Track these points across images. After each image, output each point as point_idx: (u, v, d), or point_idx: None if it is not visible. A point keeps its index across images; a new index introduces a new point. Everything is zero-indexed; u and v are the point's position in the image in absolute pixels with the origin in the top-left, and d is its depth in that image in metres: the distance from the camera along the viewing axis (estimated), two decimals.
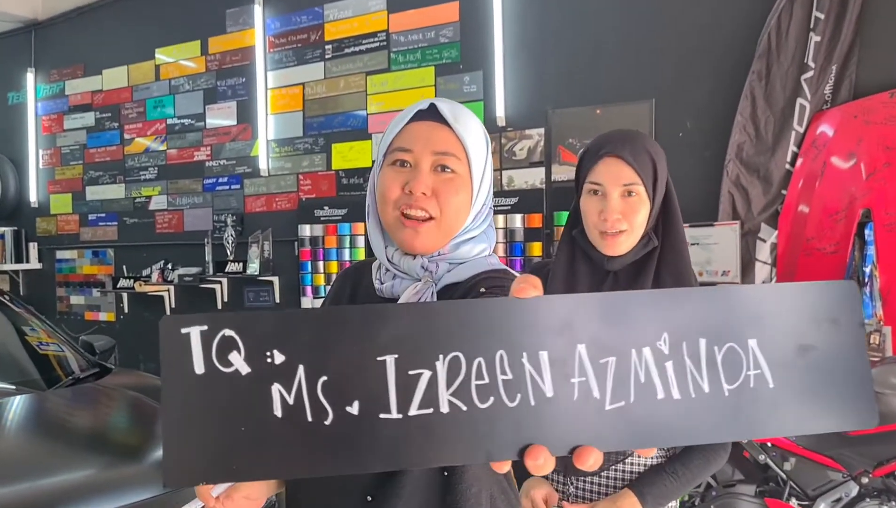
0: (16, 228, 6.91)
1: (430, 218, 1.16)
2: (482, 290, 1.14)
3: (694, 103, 4.02)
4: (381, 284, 1.23)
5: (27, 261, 6.89)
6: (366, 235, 1.32)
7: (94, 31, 6.50)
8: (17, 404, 2.89)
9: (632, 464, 1.62)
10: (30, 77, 6.90)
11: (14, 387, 3.00)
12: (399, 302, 1.14)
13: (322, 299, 1.36)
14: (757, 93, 3.77)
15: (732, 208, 3.85)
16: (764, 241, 3.81)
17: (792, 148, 3.74)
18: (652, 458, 1.62)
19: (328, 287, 1.37)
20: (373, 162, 1.28)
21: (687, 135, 4.05)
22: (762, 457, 2.86)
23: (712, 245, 3.79)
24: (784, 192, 3.76)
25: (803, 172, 3.71)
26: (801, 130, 3.73)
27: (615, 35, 4.21)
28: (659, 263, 1.59)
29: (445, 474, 1.14)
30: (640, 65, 4.15)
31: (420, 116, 1.18)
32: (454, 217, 1.17)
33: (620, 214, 1.55)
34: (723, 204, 3.85)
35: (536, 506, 1.64)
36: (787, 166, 3.76)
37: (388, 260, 1.21)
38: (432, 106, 1.17)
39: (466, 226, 1.20)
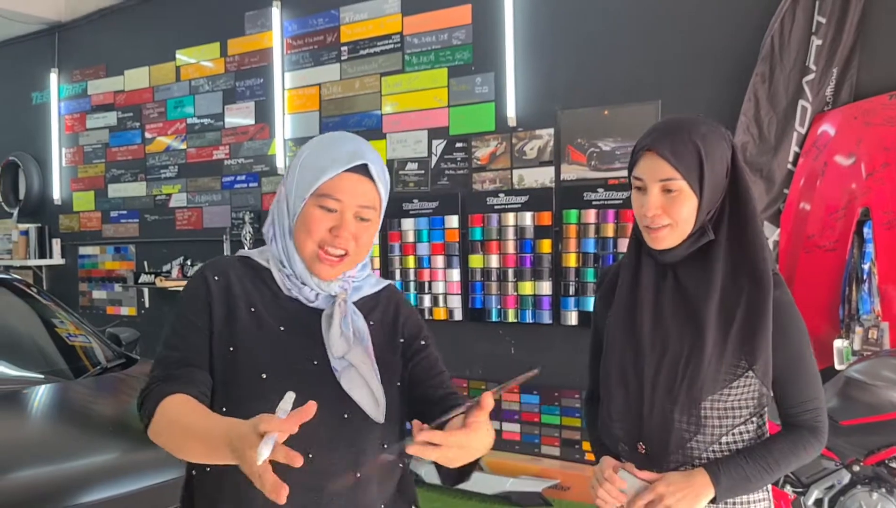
0: (39, 224, 7.10)
1: (346, 254, 1.40)
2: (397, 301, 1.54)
3: (699, 104, 4.12)
4: (289, 290, 1.44)
5: (50, 257, 7.08)
6: (273, 236, 1.46)
7: (116, 33, 6.67)
8: (47, 392, 3.05)
9: (713, 452, 1.55)
10: (53, 77, 7.08)
11: (43, 376, 3.16)
12: (326, 314, 1.42)
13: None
14: (760, 94, 3.88)
15: None
16: (766, 239, 3.91)
17: (794, 148, 3.85)
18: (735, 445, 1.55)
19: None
20: (286, 175, 1.46)
21: None
22: None
23: None
24: (786, 191, 3.86)
25: (804, 172, 3.81)
26: (803, 130, 3.83)
27: (623, 38, 4.33)
28: (725, 257, 1.52)
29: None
30: (647, 67, 4.26)
31: (351, 168, 1.38)
32: (364, 252, 1.44)
33: (661, 208, 1.49)
34: None
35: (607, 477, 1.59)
36: (790, 166, 3.86)
37: (298, 274, 1.43)
38: (364, 167, 1.38)
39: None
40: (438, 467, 1.30)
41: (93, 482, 2.40)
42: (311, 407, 1.07)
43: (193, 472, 1.45)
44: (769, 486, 1.59)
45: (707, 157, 1.48)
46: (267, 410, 1.09)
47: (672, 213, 1.49)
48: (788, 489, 2.97)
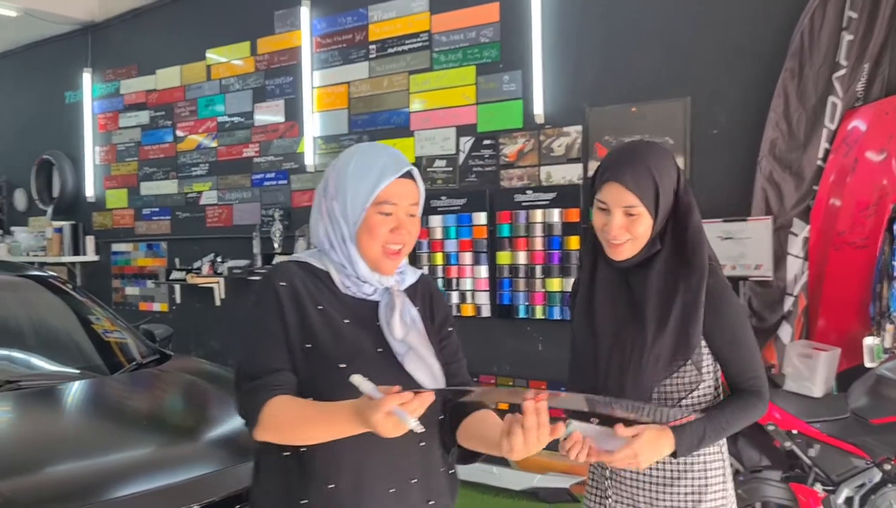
0: (73, 222, 7.23)
1: (402, 247, 1.63)
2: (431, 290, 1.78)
3: (728, 101, 4.11)
4: (347, 288, 1.63)
5: (84, 254, 7.21)
6: (331, 246, 1.65)
7: (148, 33, 6.77)
8: (83, 387, 3.11)
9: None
10: (86, 77, 7.20)
11: (79, 372, 3.23)
12: (385, 303, 1.63)
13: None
14: (790, 91, 3.85)
15: (766, 203, 3.94)
16: (796, 235, 3.89)
17: (824, 144, 3.82)
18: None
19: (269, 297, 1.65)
20: (327, 191, 1.65)
21: (722, 132, 4.15)
22: (788, 444, 2.98)
23: (745, 240, 3.89)
24: (816, 187, 3.84)
25: (835, 168, 3.78)
26: (833, 127, 3.80)
27: (652, 35, 4.32)
28: (664, 264, 1.79)
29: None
30: (675, 63, 4.25)
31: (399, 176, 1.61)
32: (413, 243, 1.66)
33: (622, 228, 1.76)
34: (756, 199, 3.94)
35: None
36: (819, 162, 3.83)
37: (360, 275, 1.63)
38: (409, 172, 1.62)
39: None
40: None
41: (129, 476, 2.44)
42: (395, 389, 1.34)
43: (286, 453, 1.58)
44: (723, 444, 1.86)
45: (661, 184, 1.75)
46: (348, 397, 1.39)
47: (632, 230, 1.77)
48: (818, 487, 2.96)
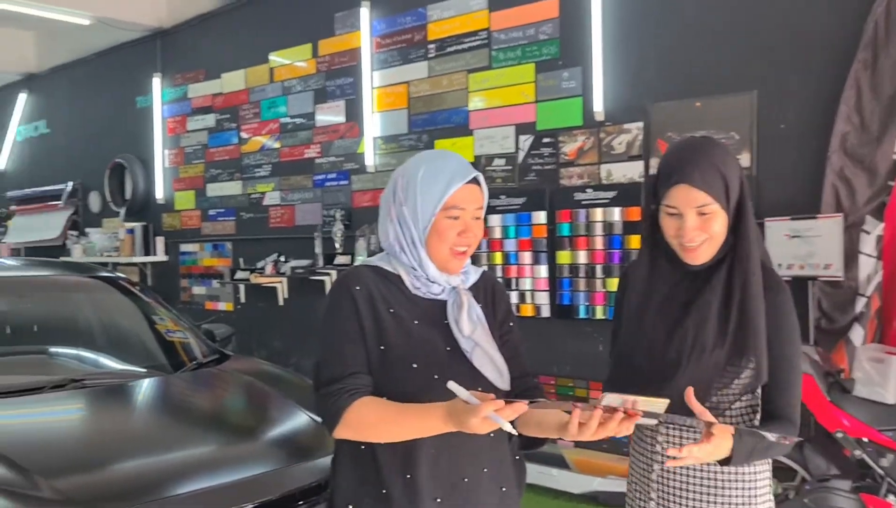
0: (144, 223, 7.43)
1: (468, 248, 1.71)
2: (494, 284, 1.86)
3: (797, 94, 3.96)
4: (417, 289, 1.72)
5: (154, 254, 7.40)
6: (401, 249, 1.74)
7: (213, 37, 6.91)
8: (147, 386, 3.19)
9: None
10: (156, 82, 7.39)
11: (141, 371, 3.31)
12: (452, 303, 1.72)
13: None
14: (862, 82, 3.69)
15: (836, 200, 3.78)
16: (868, 233, 3.73)
17: None
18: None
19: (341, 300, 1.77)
20: (395, 197, 1.75)
21: (790, 127, 4.00)
22: (858, 452, 2.85)
23: (814, 238, 3.74)
24: (891, 183, 3.67)
25: None
26: None
27: (716, 26, 4.19)
28: (731, 262, 1.73)
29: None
30: (741, 56, 4.12)
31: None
32: (477, 244, 1.74)
33: (698, 229, 1.70)
34: (826, 196, 3.79)
35: None
36: (895, 157, 3.66)
37: (430, 276, 1.71)
38: (474, 178, 1.70)
39: None
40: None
41: (185, 474, 2.48)
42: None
43: (363, 447, 1.68)
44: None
45: (729, 178, 1.71)
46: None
47: (707, 229, 1.71)
48: (892, 498, 2.82)
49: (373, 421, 1.60)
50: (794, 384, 1.74)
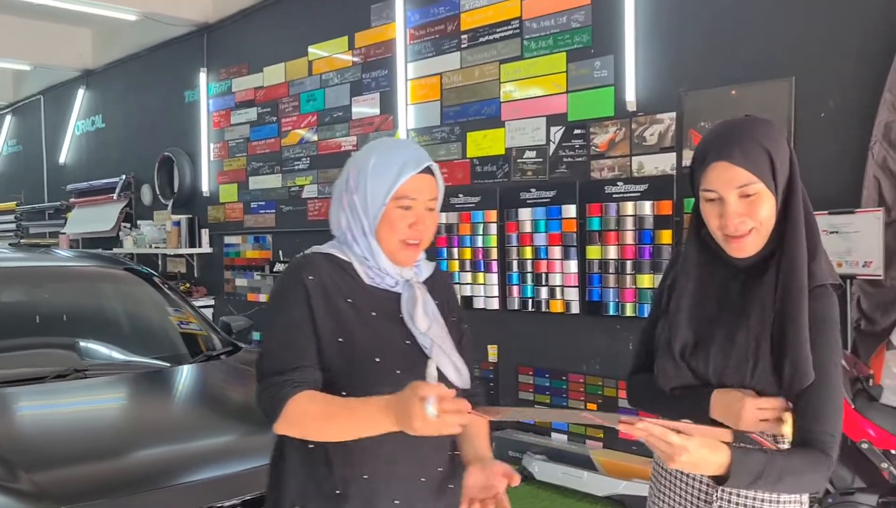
0: (190, 215, 7.54)
1: (421, 241, 1.64)
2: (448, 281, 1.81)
3: (838, 80, 3.73)
4: (371, 279, 1.64)
5: (200, 246, 7.51)
6: (352, 238, 1.67)
7: (255, 32, 6.95)
8: (151, 377, 3.20)
9: None
10: (202, 76, 7.49)
11: (152, 361, 3.32)
12: (406, 296, 1.65)
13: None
14: None
15: (878, 193, 3.55)
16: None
17: None
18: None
19: (284, 287, 1.68)
20: (347, 185, 1.67)
21: (830, 115, 3.76)
22: (885, 465, 2.64)
23: (853, 234, 3.51)
24: None
25: None
26: None
27: (752, 10, 3.98)
28: (779, 258, 1.52)
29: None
30: (778, 41, 3.90)
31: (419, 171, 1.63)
32: (431, 237, 1.67)
33: (743, 215, 1.50)
34: (867, 189, 3.56)
35: None
36: None
37: (381, 267, 1.65)
38: (428, 167, 1.64)
39: None
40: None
41: (176, 466, 2.48)
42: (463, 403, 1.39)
43: (311, 446, 1.59)
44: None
45: (776, 154, 1.49)
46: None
47: (754, 215, 1.49)
48: None
49: (314, 415, 1.50)
50: (833, 409, 1.48)
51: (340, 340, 1.57)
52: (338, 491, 1.57)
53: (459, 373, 1.63)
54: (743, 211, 1.49)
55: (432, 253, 5.40)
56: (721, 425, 1.52)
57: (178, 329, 3.63)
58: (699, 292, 1.62)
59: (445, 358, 1.61)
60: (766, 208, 1.49)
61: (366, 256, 1.64)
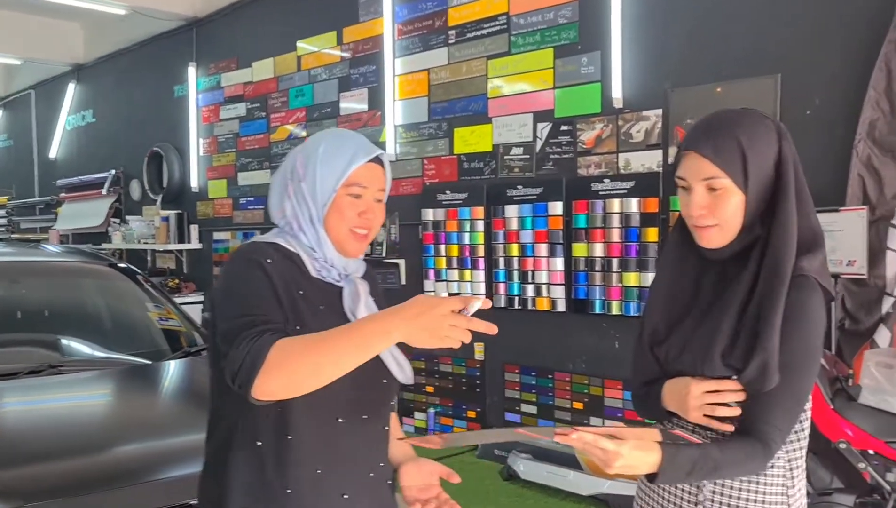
0: (179, 211, 7.50)
1: (369, 231, 1.61)
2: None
3: (823, 78, 3.71)
4: (318, 272, 1.59)
5: (189, 242, 7.47)
6: (299, 227, 1.60)
7: (244, 26, 6.91)
8: (125, 374, 3.16)
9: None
10: (191, 71, 7.44)
11: (128, 358, 3.29)
12: (349, 291, 1.61)
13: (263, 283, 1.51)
14: (893, 65, 3.43)
15: (863, 191, 3.53)
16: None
17: None
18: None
19: (271, 278, 1.55)
20: (294, 173, 1.60)
21: (816, 113, 3.74)
22: (863, 465, 2.62)
23: (837, 232, 3.48)
24: None
25: None
26: None
27: (738, 7, 3.95)
28: (762, 253, 1.49)
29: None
30: (764, 38, 3.87)
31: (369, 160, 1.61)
32: (378, 229, 1.65)
33: (705, 208, 1.49)
34: (851, 187, 3.54)
35: None
36: None
37: (328, 258, 1.60)
38: (378, 158, 1.62)
39: None
40: None
41: (176, 459, 2.47)
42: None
43: (259, 443, 1.52)
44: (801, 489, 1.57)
45: (750, 150, 1.46)
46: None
47: (717, 212, 1.48)
48: None
49: (302, 351, 1.35)
50: (787, 404, 1.46)
51: (298, 328, 1.49)
52: (289, 490, 1.52)
53: (402, 369, 1.60)
54: (706, 204, 1.48)
55: (419, 250, 5.37)
56: (675, 415, 1.58)
57: (159, 326, 3.60)
58: (674, 283, 1.62)
59: (388, 355, 1.56)
60: (732, 206, 1.48)
61: (313, 246, 1.59)
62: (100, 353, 3.31)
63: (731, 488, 1.54)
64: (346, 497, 1.55)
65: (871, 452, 2.62)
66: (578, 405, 4.63)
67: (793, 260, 1.47)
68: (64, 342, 3.27)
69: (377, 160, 1.61)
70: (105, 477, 2.32)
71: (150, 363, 3.26)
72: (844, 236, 3.47)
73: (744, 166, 1.46)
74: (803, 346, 1.47)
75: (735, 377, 1.47)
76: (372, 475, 1.62)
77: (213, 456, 1.61)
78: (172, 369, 3.24)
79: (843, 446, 2.65)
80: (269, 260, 1.51)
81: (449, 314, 1.31)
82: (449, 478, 1.62)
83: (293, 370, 1.34)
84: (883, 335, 3.47)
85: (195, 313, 4.17)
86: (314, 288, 1.57)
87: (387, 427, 1.66)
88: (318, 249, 1.58)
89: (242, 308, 1.43)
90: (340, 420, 1.53)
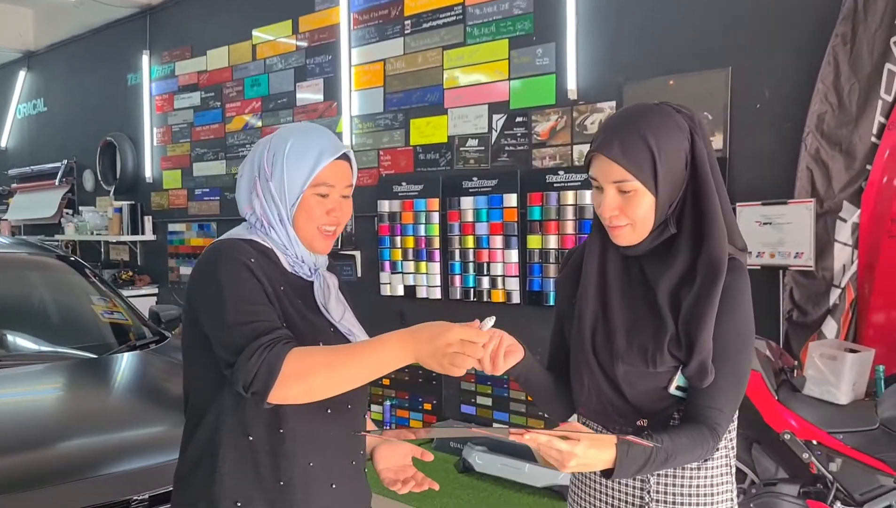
0: (133, 202, 7.36)
1: (337, 228, 1.63)
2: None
3: (773, 71, 3.73)
4: (291, 267, 1.61)
5: (143, 233, 7.33)
6: (269, 225, 1.61)
7: (199, 13, 6.79)
8: (69, 369, 3.09)
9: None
10: (145, 59, 7.29)
11: (72, 352, 3.21)
12: (319, 285, 1.63)
13: (254, 278, 1.53)
14: (840, 58, 3.45)
15: (811, 184, 3.56)
16: (845, 221, 3.50)
17: (879, 119, 3.41)
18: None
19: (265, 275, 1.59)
20: (261, 171, 1.60)
21: (766, 106, 3.76)
22: (806, 456, 2.65)
23: (785, 225, 3.51)
24: (869, 167, 3.44)
25: (891, 144, 3.37)
26: (890, 98, 3.39)
27: (690, 0, 3.96)
28: (686, 249, 1.50)
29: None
30: (715, 31, 3.88)
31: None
32: (345, 224, 1.66)
33: (617, 209, 1.49)
34: (800, 180, 3.56)
35: None
36: (873, 139, 3.43)
37: (298, 255, 1.63)
38: (344, 154, 1.63)
39: None
40: None
41: (120, 453, 2.44)
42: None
43: (250, 437, 1.54)
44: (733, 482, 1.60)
45: (660, 152, 1.45)
46: None
47: (629, 213, 1.48)
48: (839, 506, 2.63)
49: (321, 364, 1.41)
50: (729, 387, 1.47)
51: (283, 324, 1.51)
52: (281, 483, 1.54)
53: None
54: (618, 205, 1.48)
55: (375, 242, 5.33)
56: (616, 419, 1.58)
57: (106, 319, 3.52)
58: (600, 276, 1.60)
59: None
60: (644, 207, 1.47)
61: (284, 244, 1.61)
62: (45, 347, 3.22)
63: (675, 477, 1.54)
64: (333, 486, 1.59)
65: (814, 442, 2.64)
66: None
67: (727, 257, 1.47)
68: (8, 335, 3.18)
69: (343, 156, 1.62)
70: (50, 473, 2.27)
71: (95, 356, 3.18)
72: (792, 229, 3.50)
73: (653, 169, 1.45)
74: (739, 330, 1.49)
75: (680, 368, 1.48)
76: (354, 462, 1.65)
77: (197, 451, 1.58)
78: (118, 363, 3.17)
79: (787, 437, 2.66)
80: (252, 259, 1.53)
81: (456, 343, 1.33)
82: (422, 457, 1.68)
83: (312, 382, 1.41)
84: (830, 327, 3.52)
85: (150, 305, 4.10)
86: (290, 284, 1.60)
87: (365, 415, 1.71)
88: (288, 246, 1.61)
89: (242, 315, 1.45)
90: (329, 411, 1.55)
